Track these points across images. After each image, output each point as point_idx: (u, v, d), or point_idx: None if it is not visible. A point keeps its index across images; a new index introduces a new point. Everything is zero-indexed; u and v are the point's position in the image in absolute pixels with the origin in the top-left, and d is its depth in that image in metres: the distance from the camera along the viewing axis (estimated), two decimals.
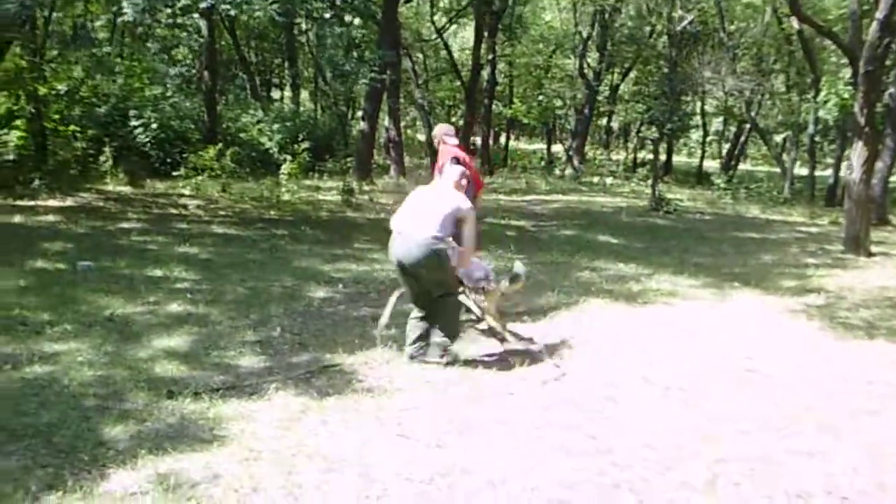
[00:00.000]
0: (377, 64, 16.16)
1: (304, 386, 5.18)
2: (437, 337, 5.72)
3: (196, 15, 14.73)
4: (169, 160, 18.05)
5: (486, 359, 6.01)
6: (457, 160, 6.98)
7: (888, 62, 13.34)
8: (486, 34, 24.15)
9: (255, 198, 15.63)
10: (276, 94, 33.55)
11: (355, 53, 18.02)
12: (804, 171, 25.28)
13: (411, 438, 4.45)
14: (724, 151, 32.82)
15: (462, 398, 5.14)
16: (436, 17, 25.71)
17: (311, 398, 4.96)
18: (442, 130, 7.74)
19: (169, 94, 20.63)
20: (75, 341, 5.83)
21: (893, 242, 13.74)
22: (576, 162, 27.89)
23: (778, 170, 27.18)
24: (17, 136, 14.59)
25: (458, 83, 28.21)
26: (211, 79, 20.10)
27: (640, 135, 35.25)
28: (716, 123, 35.73)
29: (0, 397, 4.62)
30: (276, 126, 21.58)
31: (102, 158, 16.50)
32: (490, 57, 25.14)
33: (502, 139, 36.38)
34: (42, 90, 15.17)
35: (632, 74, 31.51)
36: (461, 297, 6.17)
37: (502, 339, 6.38)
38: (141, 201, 14.30)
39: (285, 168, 17.53)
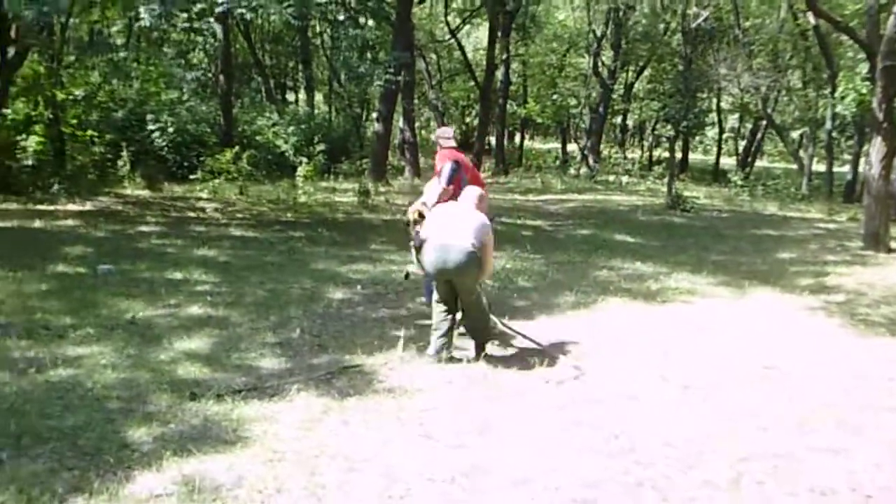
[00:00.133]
0: (391, 65, 16.21)
1: (324, 387, 5.21)
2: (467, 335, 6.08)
3: (211, 19, 14.80)
4: (186, 164, 18.17)
5: (506, 358, 6.01)
6: (456, 163, 7.05)
7: None
8: (499, 34, 24.14)
9: (271, 200, 15.71)
10: (290, 96, 33.69)
11: (369, 55, 18.06)
12: (822, 168, 25.10)
13: (432, 438, 4.47)
14: (741, 148, 32.61)
15: (482, 398, 5.15)
16: (449, 18, 25.70)
17: (333, 399, 4.98)
18: (438, 133, 7.91)
19: (185, 98, 20.77)
20: (97, 344, 5.88)
21: None
22: (591, 161, 27.80)
23: (795, 166, 26.99)
24: (36, 142, 14.66)
25: (472, 83, 28.22)
26: (226, 82, 20.23)
27: (656, 133, 35.13)
28: (731, 120, 35.53)
29: (25, 400, 4.67)
30: (291, 128, 21.68)
31: (120, 163, 16.64)
32: (504, 57, 25.13)
33: (517, 139, 36.34)
34: (60, 95, 15.28)
35: (646, 72, 31.36)
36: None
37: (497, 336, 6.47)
38: (159, 205, 14.41)
39: (301, 170, 17.60)
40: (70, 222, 11.67)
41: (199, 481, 3.79)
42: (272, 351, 5.97)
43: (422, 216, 6.68)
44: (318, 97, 31.75)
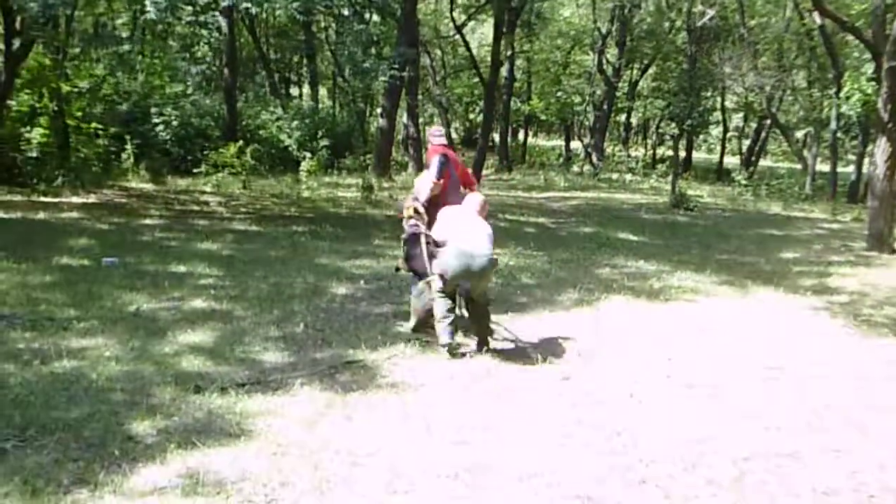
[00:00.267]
0: (396, 61, 16.20)
1: (328, 381, 5.22)
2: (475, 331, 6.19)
3: (217, 13, 14.79)
4: (190, 157, 18.22)
5: (508, 354, 6.01)
6: (444, 156, 7.03)
7: None
8: (504, 30, 24.10)
9: (275, 195, 15.72)
10: (294, 91, 33.69)
11: (374, 50, 18.06)
12: (826, 168, 25.06)
13: (435, 434, 4.47)
14: (745, 148, 32.58)
15: (485, 394, 5.16)
16: (455, 14, 25.67)
17: (336, 394, 4.99)
18: (429, 132, 7.95)
19: (189, 91, 20.78)
20: (102, 336, 5.89)
21: None
22: (594, 158, 27.79)
23: (799, 166, 26.97)
24: (41, 134, 14.71)
25: (477, 80, 28.18)
26: (231, 76, 20.23)
27: (660, 131, 35.11)
28: (736, 119, 35.49)
29: (30, 392, 4.68)
30: (295, 123, 21.70)
31: (124, 155, 16.69)
32: (508, 53, 25.09)
33: (520, 136, 36.31)
34: (65, 88, 15.30)
35: (651, 70, 31.34)
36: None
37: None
38: (163, 198, 14.43)
39: (305, 165, 17.63)
40: (74, 214, 11.69)
41: (203, 474, 3.80)
42: (276, 345, 5.98)
43: (416, 212, 6.67)
44: (322, 92, 31.76)
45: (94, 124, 15.86)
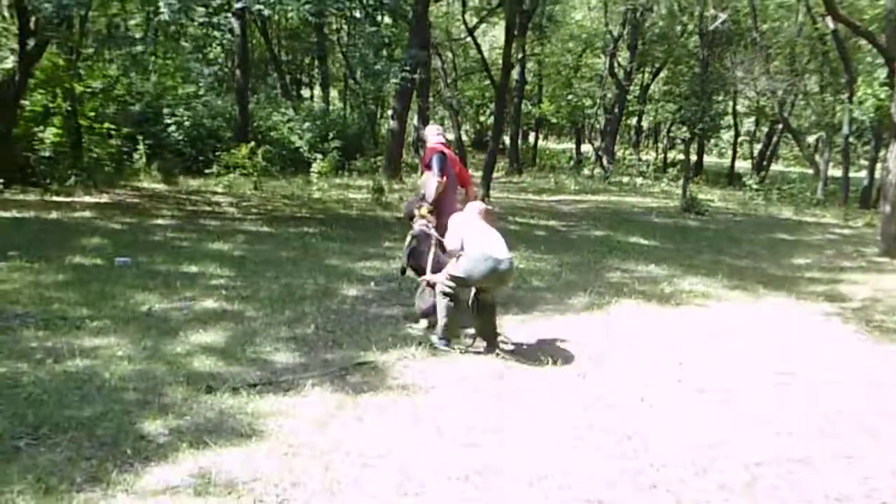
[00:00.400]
0: (407, 63, 16.22)
1: (339, 383, 5.23)
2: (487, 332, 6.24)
3: (229, 14, 14.85)
4: (201, 158, 18.29)
5: (518, 357, 6.01)
6: (442, 154, 7.18)
7: None
8: (515, 33, 24.09)
9: (286, 196, 15.76)
10: (306, 92, 33.76)
11: (386, 52, 18.08)
12: (838, 173, 24.95)
13: (446, 436, 4.48)
14: (756, 152, 32.47)
15: (496, 396, 5.16)
16: (466, 16, 25.70)
17: (347, 395, 5.00)
18: (426, 130, 8.05)
19: (202, 92, 20.86)
20: (114, 336, 5.92)
21: None
22: (605, 162, 27.76)
23: (811, 171, 26.85)
24: (54, 133, 14.79)
25: (487, 82, 28.19)
26: (243, 77, 20.29)
27: (671, 135, 35.04)
28: (747, 124, 35.39)
29: (43, 390, 4.71)
30: (306, 125, 21.75)
31: (136, 156, 16.77)
32: (520, 56, 25.09)
33: (531, 138, 36.29)
34: (78, 88, 15.38)
35: (662, 74, 31.31)
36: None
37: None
38: (174, 198, 14.48)
39: (316, 166, 17.68)
40: (87, 214, 11.75)
41: (214, 474, 3.81)
42: (287, 346, 5.99)
43: (431, 213, 6.89)
44: (334, 94, 31.83)
45: (106, 124, 15.94)
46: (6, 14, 14.91)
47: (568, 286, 8.71)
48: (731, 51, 26.37)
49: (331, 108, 27.96)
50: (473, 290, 6.13)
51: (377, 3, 16.44)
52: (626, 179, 25.40)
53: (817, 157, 26.49)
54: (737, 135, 33.12)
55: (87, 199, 13.34)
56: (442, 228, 6.56)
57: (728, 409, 5.15)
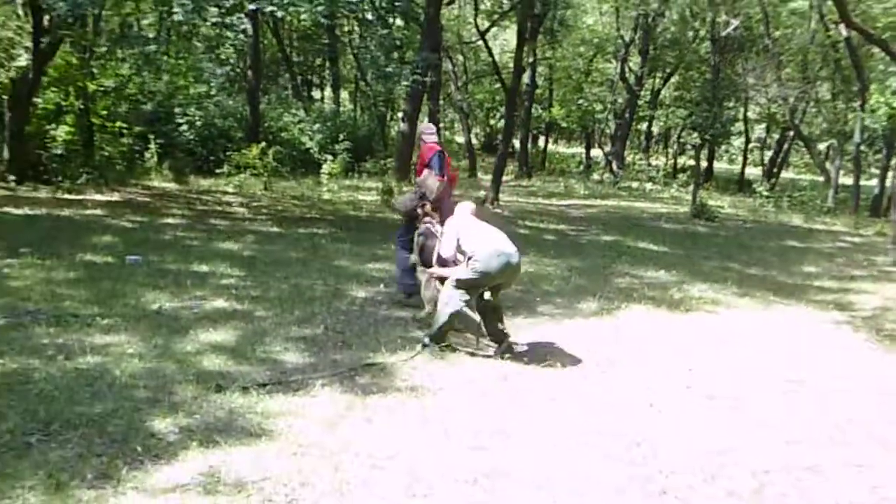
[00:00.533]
0: (419, 66, 16.23)
1: (348, 383, 5.24)
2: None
3: (242, 15, 14.91)
4: (212, 158, 18.36)
5: (527, 360, 6.01)
6: (441, 153, 7.41)
7: None
8: (527, 37, 24.09)
9: (296, 196, 15.80)
10: (316, 94, 33.82)
11: (397, 55, 18.10)
12: (849, 181, 24.86)
13: (454, 439, 4.48)
14: (767, 159, 32.37)
15: (504, 399, 5.16)
16: (478, 20, 25.74)
17: (356, 396, 5.01)
18: (422, 128, 8.23)
19: (213, 92, 20.91)
20: (125, 334, 5.94)
21: None
22: (615, 167, 27.72)
23: (821, 178, 26.76)
24: (66, 132, 14.87)
25: (498, 85, 28.22)
26: (254, 78, 20.35)
27: (681, 140, 34.97)
28: (758, 130, 35.29)
29: (54, 387, 4.73)
30: (316, 126, 21.78)
31: (148, 154, 16.84)
32: (530, 60, 25.09)
33: (541, 142, 36.28)
34: (90, 87, 15.45)
35: (674, 79, 31.24)
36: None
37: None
38: (185, 198, 14.54)
39: (326, 168, 17.70)
40: (98, 212, 11.81)
41: (224, 473, 3.82)
42: (296, 346, 6.01)
43: (433, 210, 7.06)
44: (344, 95, 31.89)
45: (118, 123, 16.02)
46: (21, 12, 14.99)
47: (577, 291, 8.71)
48: (742, 57, 26.34)
49: (341, 109, 28.00)
50: (487, 295, 6.15)
51: (389, 5, 16.47)
52: (635, 184, 25.36)
53: (828, 165, 26.40)
54: (747, 141, 33.05)
55: (99, 197, 13.40)
56: (443, 226, 6.66)
57: (737, 416, 5.14)
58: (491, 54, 26.78)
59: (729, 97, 27.46)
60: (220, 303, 7.09)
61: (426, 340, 6.10)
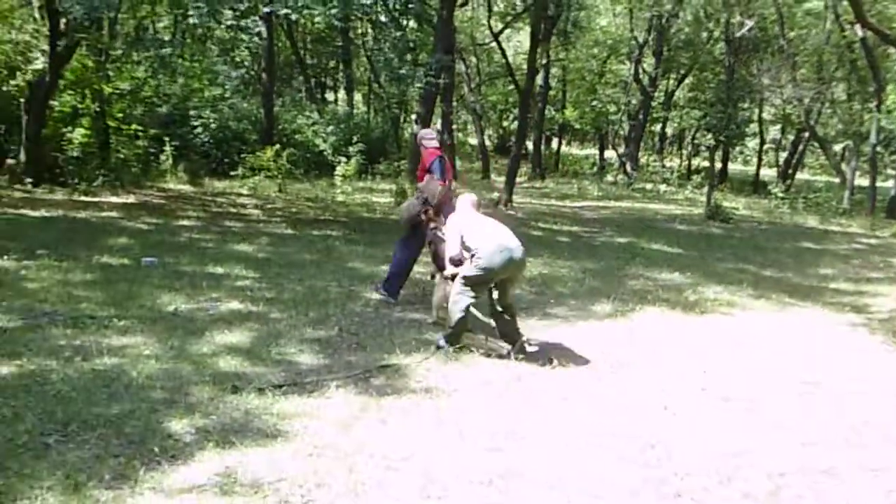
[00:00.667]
0: (432, 68, 16.27)
1: (363, 385, 5.26)
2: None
3: (257, 18, 15.00)
4: (227, 160, 18.45)
5: (541, 361, 6.00)
6: (441, 158, 7.50)
7: None
8: (540, 38, 24.08)
9: (310, 198, 15.85)
10: (330, 96, 33.91)
11: (410, 57, 18.13)
12: (864, 182, 24.68)
13: (469, 440, 4.49)
14: (782, 160, 32.18)
15: (518, 401, 5.17)
16: (491, 22, 25.76)
17: (371, 397, 5.02)
18: (421, 133, 8.30)
19: (228, 95, 21.03)
20: (141, 335, 5.99)
21: None
22: (629, 168, 27.64)
23: (837, 180, 26.59)
24: (82, 134, 15.00)
25: (511, 87, 28.22)
26: (269, 80, 20.44)
27: (696, 142, 34.83)
28: (773, 131, 35.09)
29: (72, 388, 4.77)
30: (330, 128, 21.85)
31: (163, 157, 16.94)
32: (544, 61, 25.08)
33: (554, 144, 36.24)
34: (106, 89, 15.58)
35: (688, 80, 31.10)
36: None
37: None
38: (200, 200, 14.62)
39: (340, 170, 17.76)
40: (114, 214, 11.90)
41: (240, 474, 3.85)
42: (311, 347, 6.03)
43: (437, 214, 7.15)
44: (358, 97, 31.95)
45: (134, 126, 16.13)
46: (37, 16, 15.12)
47: (591, 292, 8.70)
48: (757, 58, 26.16)
49: (355, 111, 28.06)
50: (496, 294, 6.14)
51: (403, 7, 16.53)
52: (649, 186, 25.28)
53: (844, 166, 26.22)
54: (762, 142, 32.86)
55: (114, 199, 13.50)
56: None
57: (752, 418, 5.12)
58: (504, 56, 26.79)
59: (743, 98, 27.26)
60: (235, 304, 7.13)
61: (441, 342, 6.11)
